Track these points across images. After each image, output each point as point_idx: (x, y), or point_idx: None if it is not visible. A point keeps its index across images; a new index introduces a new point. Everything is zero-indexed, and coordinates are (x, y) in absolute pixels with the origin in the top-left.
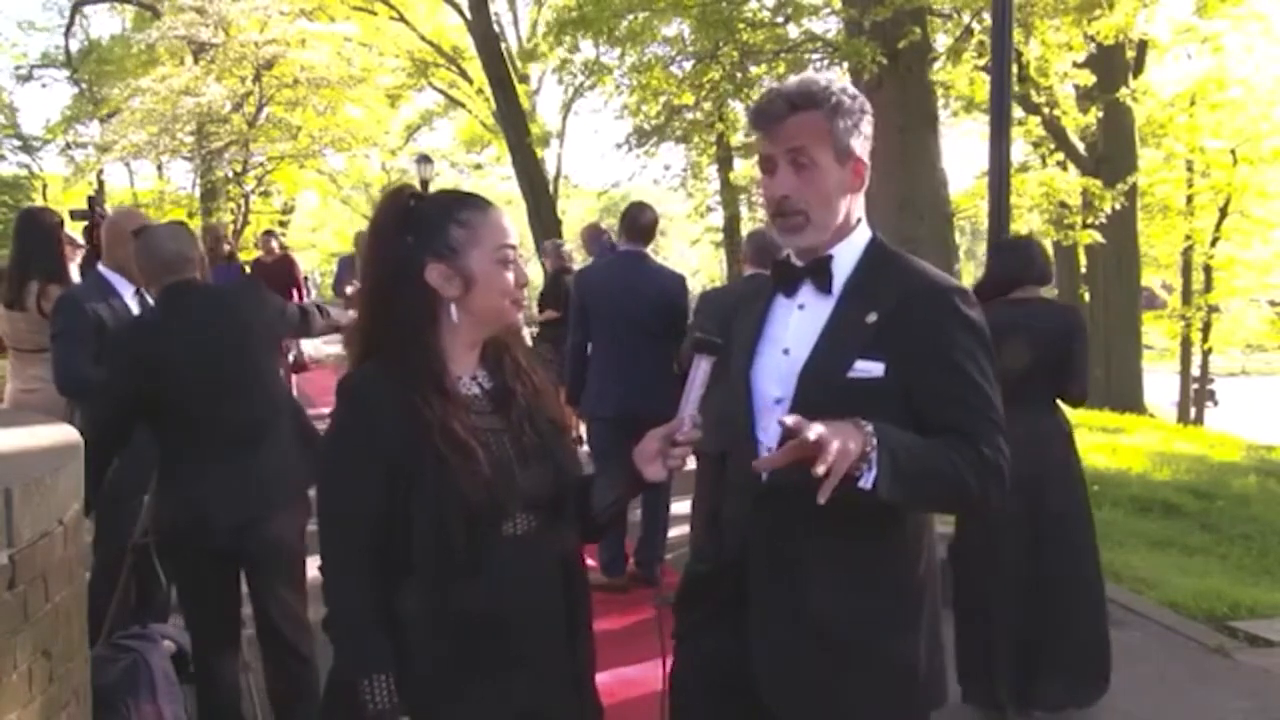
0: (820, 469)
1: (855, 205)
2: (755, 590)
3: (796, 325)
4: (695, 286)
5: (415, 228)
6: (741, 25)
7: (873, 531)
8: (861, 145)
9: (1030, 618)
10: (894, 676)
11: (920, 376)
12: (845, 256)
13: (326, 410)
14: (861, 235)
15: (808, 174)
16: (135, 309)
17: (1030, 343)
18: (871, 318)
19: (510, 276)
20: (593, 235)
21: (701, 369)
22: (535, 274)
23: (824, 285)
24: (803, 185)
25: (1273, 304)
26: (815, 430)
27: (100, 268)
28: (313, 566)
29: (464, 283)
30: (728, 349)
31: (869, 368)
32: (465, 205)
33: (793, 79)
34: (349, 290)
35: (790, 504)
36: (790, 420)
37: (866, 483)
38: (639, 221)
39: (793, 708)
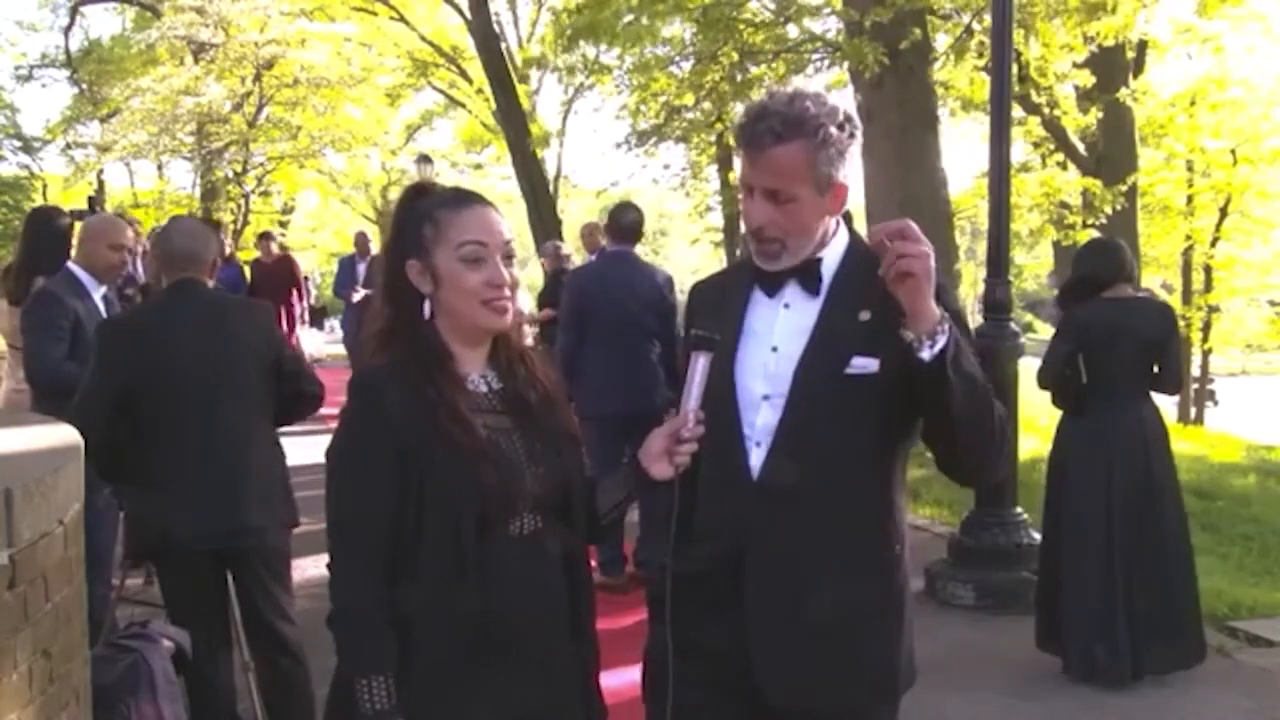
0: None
1: (833, 217)
2: (753, 585)
3: (784, 324)
4: None
5: (404, 224)
6: (742, 25)
7: (864, 525)
8: (845, 171)
9: (1135, 586)
10: (883, 661)
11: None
12: (830, 259)
13: (325, 410)
14: (842, 238)
15: (786, 208)
16: (103, 311)
17: (1132, 338)
18: (864, 316)
19: (476, 276)
20: (591, 233)
21: (700, 365)
22: (536, 275)
23: (812, 287)
24: (780, 218)
25: (1273, 304)
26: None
27: (71, 265)
28: (318, 565)
29: (434, 281)
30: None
31: (865, 364)
32: (443, 203)
33: (788, 90)
34: (354, 297)
35: (785, 500)
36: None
37: (930, 352)
38: (622, 222)
39: (791, 696)
